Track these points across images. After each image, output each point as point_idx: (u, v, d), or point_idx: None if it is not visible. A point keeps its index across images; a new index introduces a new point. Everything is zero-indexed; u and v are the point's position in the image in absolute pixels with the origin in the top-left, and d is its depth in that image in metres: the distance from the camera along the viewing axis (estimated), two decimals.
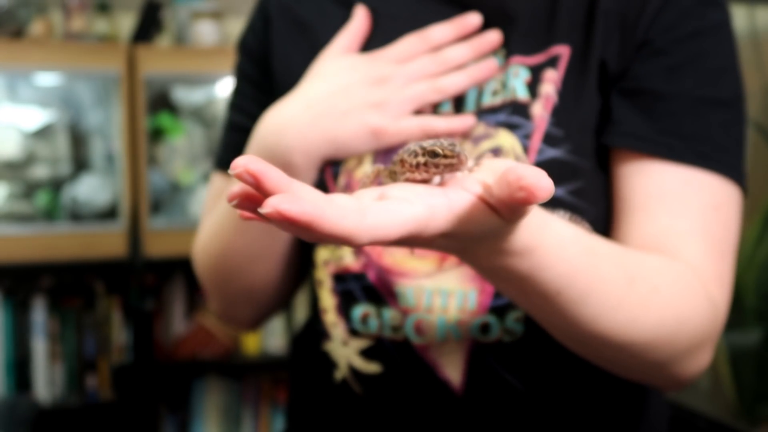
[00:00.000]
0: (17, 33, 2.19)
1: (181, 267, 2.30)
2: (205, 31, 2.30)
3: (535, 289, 0.51)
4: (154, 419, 2.31)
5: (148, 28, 2.25)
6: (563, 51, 0.66)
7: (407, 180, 0.44)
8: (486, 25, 0.69)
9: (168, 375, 2.33)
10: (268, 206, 0.34)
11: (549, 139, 0.64)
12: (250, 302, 0.80)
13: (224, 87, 2.43)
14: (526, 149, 0.64)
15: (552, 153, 0.64)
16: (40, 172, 2.28)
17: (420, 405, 0.67)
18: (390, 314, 0.67)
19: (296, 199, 0.34)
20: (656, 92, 0.64)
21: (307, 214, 0.34)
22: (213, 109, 2.43)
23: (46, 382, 2.19)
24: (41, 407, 2.14)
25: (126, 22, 2.37)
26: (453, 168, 0.43)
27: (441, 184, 0.44)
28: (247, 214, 0.39)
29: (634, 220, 0.64)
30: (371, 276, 0.67)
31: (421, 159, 0.43)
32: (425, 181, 0.44)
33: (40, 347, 2.19)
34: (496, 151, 0.65)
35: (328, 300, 0.70)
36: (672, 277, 0.59)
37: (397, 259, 0.66)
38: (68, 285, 2.25)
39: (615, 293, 0.55)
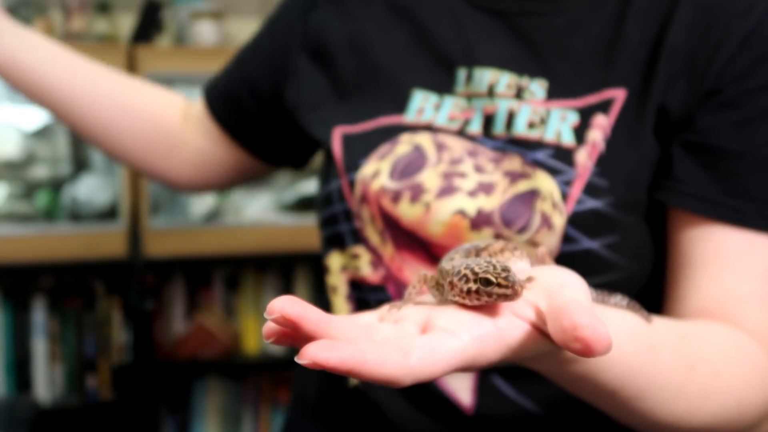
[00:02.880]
0: None
1: (181, 267, 2.30)
2: (205, 31, 2.30)
3: (591, 389, 0.49)
4: (154, 419, 2.31)
5: (148, 28, 2.25)
6: (618, 95, 0.62)
7: (457, 304, 0.41)
8: (536, 58, 0.66)
9: (168, 375, 2.33)
10: (306, 356, 0.33)
11: (590, 189, 0.61)
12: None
13: None
14: (564, 197, 0.61)
15: (592, 204, 0.61)
16: (40, 172, 2.28)
17: (430, 420, 0.66)
18: None
19: (334, 346, 0.33)
20: (723, 149, 0.60)
21: (347, 362, 0.34)
22: None
23: (46, 382, 2.19)
24: (41, 407, 2.14)
25: (126, 22, 2.37)
26: (507, 299, 0.39)
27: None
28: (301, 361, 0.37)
29: (695, 280, 0.61)
30: (391, 290, 0.66)
31: (473, 285, 0.40)
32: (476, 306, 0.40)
33: (40, 347, 2.19)
34: (532, 194, 0.62)
35: (342, 307, 0.69)
36: (736, 358, 0.57)
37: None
38: (68, 285, 2.24)
39: (674, 384, 0.53)
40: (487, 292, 0.39)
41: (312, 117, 0.74)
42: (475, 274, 0.40)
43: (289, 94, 0.77)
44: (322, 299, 0.73)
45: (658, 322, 0.54)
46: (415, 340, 0.37)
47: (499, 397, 0.64)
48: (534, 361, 0.45)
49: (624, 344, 0.49)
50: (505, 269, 0.39)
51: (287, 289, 2.35)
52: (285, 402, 2.37)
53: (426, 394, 0.65)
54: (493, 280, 0.39)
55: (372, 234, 0.67)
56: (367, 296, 0.67)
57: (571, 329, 0.36)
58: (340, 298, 0.69)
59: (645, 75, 0.62)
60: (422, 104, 0.68)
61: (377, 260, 0.67)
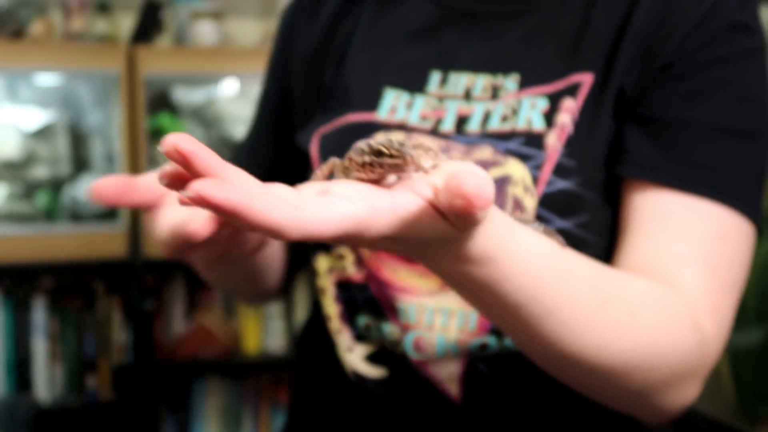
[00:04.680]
0: (17, 33, 2.19)
1: (181, 267, 2.30)
2: (205, 31, 2.30)
3: (495, 300, 0.48)
4: (154, 419, 2.31)
5: (148, 28, 2.25)
6: (585, 79, 0.64)
7: (357, 179, 0.42)
8: (509, 55, 0.67)
9: (168, 375, 2.33)
10: (192, 190, 0.32)
11: (560, 170, 0.63)
12: (243, 298, 0.82)
13: (224, 87, 2.43)
14: (535, 180, 0.63)
15: (562, 185, 0.62)
16: (40, 172, 2.28)
17: (421, 412, 0.67)
18: (389, 329, 0.66)
19: (223, 185, 0.33)
20: (670, 119, 0.62)
21: (233, 201, 0.33)
22: (213, 110, 2.43)
23: (46, 382, 2.19)
24: (41, 407, 2.14)
25: (126, 22, 2.37)
26: (398, 168, 0.40)
27: (395, 184, 0.42)
28: (185, 198, 0.37)
29: (631, 242, 0.61)
30: (373, 288, 0.67)
31: (367, 158, 0.41)
32: (376, 182, 0.41)
33: (40, 347, 2.19)
34: (505, 180, 0.63)
35: (331, 308, 0.70)
36: (655, 302, 0.56)
37: (399, 275, 0.65)
38: (68, 285, 2.24)
39: (585, 313, 0.52)
40: (379, 163, 0.40)
41: (302, 132, 0.75)
42: (370, 146, 0.41)
43: (294, 124, 0.78)
44: (316, 310, 0.74)
45: (577, 255, 0.53)
46: (308, 199, 0.37)
47: (486, 387, 0.65)
48: (433, 248, 0.43)
49: (533, 257, 0.48)
50: (401, 143, 0.41)
51: (287, 288, 2.35)
52: (285, 402, 2.37)
53: (414, 385, 0.66)
54: (385, 150, 0.40)
55: None
56: (354, 295, 0.68)
57: (456, 187, 0.36)
58: (329, 299, 0.70)
59: (608, 59, 0.64)
60: (394, 103, 0.69)
61: (359, 259, 0.68)
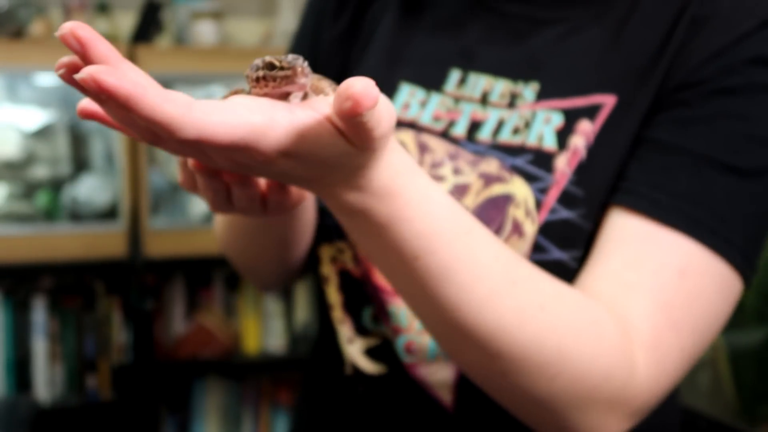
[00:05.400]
0: (17, 33, 2.19)
1: (181, 267, 2.30)
2: (205, 31, 2.30)
3: (392, 245, 0.47)
4: (154, 419, 2.31)
5: (148, 28, 2.25)
6: (607, 101, 0.60)
7: (255, 95, 0.42)
8: (532, 62, 0.64)
9: (168, 375, 2.33)
10: (85, 72, 0.32)
11: (566, 198, 0.59)
12: (265, 275, 0.79)
13: (224, 87, 2.42)
14: (539, 204, 0.60)
15: (565, 214, 0.59)
16: (40, 172, 2.28)
17: (414, 418, 0.66)
18: (383, 329, 0.66)
19: (118, 72, 0.32)
20: (661, 142, 0.58)
21: (126, 88, 0.32)
22: None
23: (46, 382, 2.19)
24: (41, 407, 2.14)
25: (126, 22, 2.37)
26: (289, 80, 0.41)
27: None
28: (88, 109, 0.36)
29: (590, 260, 0.58)
30: (368, 289, 0.66)
31: (261, 73, 0.42)
32: (282, 99, 0.42)
33: (40, 347, 2.19)
34: (507, 199, 0.61)
35: (334, 296, 0.69)
36: (573, 309, 0.52)
37: None
38: (68, 285, 2.24)
39: (486, 288, 0.49)
40: (272, 76, 0.41)
41: None
42: (263, 61, 0.42)
43: None
44: (321, 299, 0.73)
45: (488, 231, 0.51)
46: (206, 102, 0.36)
47: (479, 396, 0.63)
48: (335, 173, 0.42)
49: (434, 204, 0.47)
50: (295, 58, 0.41)
51: (287, 288, 2.35)
52: (285, 402, 2.37)
53: (408, 390, 0.66)
54: (277, 63, 0.41)
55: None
56: (356, 287, 0.68)
57: (344, 89, 0.36)
58: (332, 288, 0.69)
59: (637, 85, 0.60)
60: (408, 99, 0.68)
61: (357, 256, 0.67)
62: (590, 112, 0.61)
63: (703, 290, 0.55)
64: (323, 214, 0.69)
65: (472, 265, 0.49)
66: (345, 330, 0.69)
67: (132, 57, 2.18)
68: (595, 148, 0.60)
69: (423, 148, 0.65)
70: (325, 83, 0.45)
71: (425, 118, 0.67)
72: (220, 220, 0.75)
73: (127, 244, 2.18)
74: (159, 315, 2.31)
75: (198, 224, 2.27)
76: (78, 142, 2.33)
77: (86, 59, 0.33)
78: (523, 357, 0.51)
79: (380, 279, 0.65)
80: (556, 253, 0.60)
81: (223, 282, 2.35)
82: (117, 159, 2.23)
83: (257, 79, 0.42)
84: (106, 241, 2.17)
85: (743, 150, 0.56)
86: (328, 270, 0.70)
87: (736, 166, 0.56)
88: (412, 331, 0.64)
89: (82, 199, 2.22)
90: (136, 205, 2.20)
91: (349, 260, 0.68)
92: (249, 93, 0.44)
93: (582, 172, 0.59)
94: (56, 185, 2.28)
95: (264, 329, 2.33)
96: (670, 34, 0.60)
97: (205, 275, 2.34)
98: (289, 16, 2.39)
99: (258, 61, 0.42)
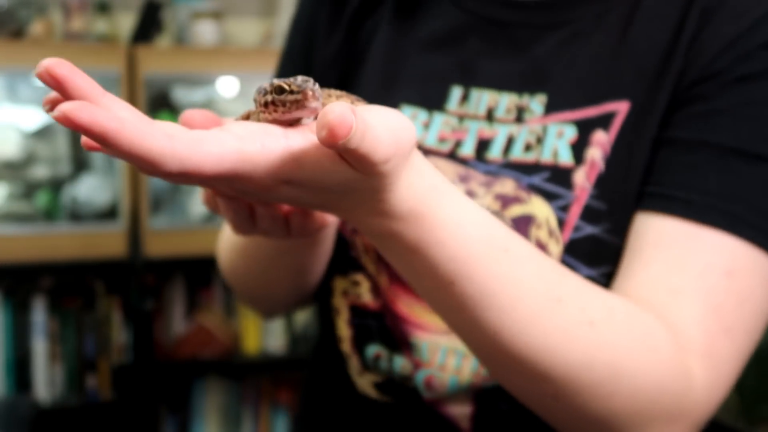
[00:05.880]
0: (17, 33, 2.19)
1: (181, 267, 2.30)
2: (205, 31, 2.30)
3: (426, 270, 0.44)
4: (154, 419, 2.31)
5: (148, 28, 2.25)
6: (620, 108, 0.58)
7: (264, 120, 0.40)
8: (537, 73, 0.62)
9: (168, 375, 2.33)
10: (58, 110, 0.31)
11: (588, 214, 0.57)
12: (270, 304, 0.76)
13: (224, 87, 2.42)
14: (561, 223, 0.57)
15: (590, 230, 0.57)
16: (40, 172, 2.28)
17: (423, 428, 0.64)
18: (401, 363, 0.63)
19: (91, 107, 0.31)
20: (686, 141, 0.56)
21: (101, 124, 0.31)
22: (213, 109, 2.42)
23: (46, 382, 2.19)
24: (41, 407, 2.14)
25: (126, 22, 2.37)
26: (300, 105, 0.38)
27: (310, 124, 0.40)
28: (89, 143, 0.34)
29: (628, 268, 0.55)
30: (388, 320, 0.64)
31: (269, 97, 0.39)
32: (290, 124, 0.39)
33: (40, 347, 2.19)
34: (528, 220, 0.58)
35: (344, 330, 0.67)
36: (625, 322, 0.50)
37: (414, 310, 0.62)
38: (68, 285, 2.24)
39: (529, 307, 0.47)
40: (281, 101, 0.39)
41: None
42: (272, 85, 0.39)
43: None
44: (323, 306, 0.72)
45: (528, 242, 0.49)
46: (192, 132, 0.34)
47: (498, 428, 0.61)
48: (349, 199, 0.41)
49: (468, 223, 0.44)
50: (306, 80, 0.39)
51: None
52: (285, 402, 2.37)
53: (424, 416, 0.64)
54: (286, 87, 0.39)
55: (368, 263, 0.65)
56: (367, 322, 0.65)
57: (322, 115, 0.34)
58: (342, 321, 0.67)
59: (651, 86, 0.58)
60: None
61: (375, 287, 0.65)
62: (604, 122, 0.58)
63: (751, 289, 0.53)
64: (338, 245, 0.67)
65: (512, 285, 0.46)
66: (354, 363, 0.67)
67: (132, 57, 2.18)
68: (613, 157, 0.58)
69: None
70: (334, 98, 0.43)
71: (430, 140, 0.64)
72: (228, 246, 0.72)
73: (127, 244, 2.18)
74: (159, 315, 2.31)
75: (198, 224, 2.26)
76: (78, 142, 2.33)
77: (66, 96, 0.32)
78: (574, 377, 0.48)
79: (403, 309, 0.63)
80: (584, 271, 0.58)
81: (223, 282, 2.35)
82: (117, 159, 2.22)
83: (266, 104, 0.39)
84: (106, 241, 2.17)
85: None
86: (338, 303, 0.67)
87: (766, 154, 0.54)
88: (434, 365, 0.62)
89: (81, 199, 2.22)
90: (136, 205, 2.20)
91: (366, 292, 0.65)
92: (258, 117, 0.41)
93: (602, 184, 0.57)
94: (56, 185, 2.28)
95: (264, 329, 2.33)
96: (679, 29, 0.58)
97: (205, 275, 2.34)
98: (289, 16, 2.39)
99: (265, 85, 0.40)
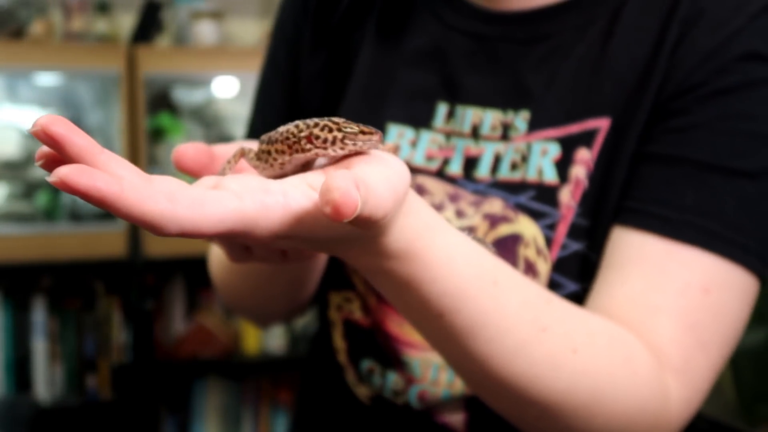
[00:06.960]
0: (17, 33, 2.19)
1: (181, 267, 2.30)
2: (205, 31, 2.30)
3: (417, 304, 0.45)
4: (154, 419, 2.31)
5: (148, 28, 2.25)
6: (601, 125, 0.58)
7: (282, 164, 0.40)
8: (519, 88, 0.62)
9: (168, 375, 2.33)
10: (55, 175, 0.30)
11: (574, 232, 0.58)
12: (264, 316, 0.77)
13: (224, 87, 2.43)
14: (549, 241, 0.58)
15: (575, 247, 0.58)
16: (40, 172, 2.28)
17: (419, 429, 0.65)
18: (393, 378, 0.64)
19: (90, 171, 0.30)
20: (662, 156, 0.56)
21: (100, 189, 0.30)
22: (213, 109, 2.43)
23: (46, 382, 2.19)
24: (41, 407, 2.14)
25: (126, 22, 2.37)
26: (372, 145, 0.38)
27: (325, 165, 0.40)
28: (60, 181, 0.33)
29: (606, 283, 0.56)
30: (379, 337, 0.65)
31: (338, 134, 0.39)
32: (303, 167, 0.39)
33: (40, 347, 2.19)
34: (515, 239, 0.59)
35: (340, 342, 0.68)
36: (606, 347, 0.51)
37: (404, 329, 0.63)
38: (68, 285, 2.24)
39: (516, 338, 0.48)
40: (352, 139, 0.39)
41: None
42: (336, 123, 0.39)
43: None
44: (321, 315, 0.72)
45: (515, 272, 0.49)
46: (191, 192, 0.34)
47: (491, 420, 0.61)
48: (345, 245, 0.41)
49: (459, 260, 0.45)
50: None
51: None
52: (285, 402, 2.37)
53: (420, 420, 0.64)
54: (356, 128, 0.38)
55: (358, 282, 0.65)
56: (361, 337, 0.66)
57: (326, 191, 0.33)
58: (338, 334, 0.68)
59: (631, 101, 0.57)
60: (397, 141, 0.65)
61: (366, 305, 0.65)
62: (586, 139, 0.59)
63: (727, 304, 0.54)
64: (332, 260, 0.66)
65: (500, 317, 0.47)
66: (350, 375, 0.68)
67: (132, 57, 2.18)
68: (596, 174, 0.58)
69: (420, 191, 0.62)
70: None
71: (418, 159, 0.64)
72: (219, 263, 0.72)
73: (127, 244, 2.18)
74: (159, 315, 2.31)
75: None
76: None
77: (62, 155, 0.32)
78: (558, 402, 0.50)
79: (393, 328, 0.63)
80: (572, 287, 0.58)
81: None
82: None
83: (333, 141, 0.39)
84: (106, 241, 2.17)
85: (748, 150, 0.55)
86: (334, 316, 0.68)
87: (742, 169, 0.54)
88: (426, 381, 0.62)
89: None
90: None
91: (357, 310, 0.66)
92: (263, 152, 0.41)
93: (586, 202, 0.58)
94: None
95: (264, 329, 2.33)
96: (659, 42, 0.58)
97: (205, 275, 2.32)
98: None
99: (325, 121, 0.39)
